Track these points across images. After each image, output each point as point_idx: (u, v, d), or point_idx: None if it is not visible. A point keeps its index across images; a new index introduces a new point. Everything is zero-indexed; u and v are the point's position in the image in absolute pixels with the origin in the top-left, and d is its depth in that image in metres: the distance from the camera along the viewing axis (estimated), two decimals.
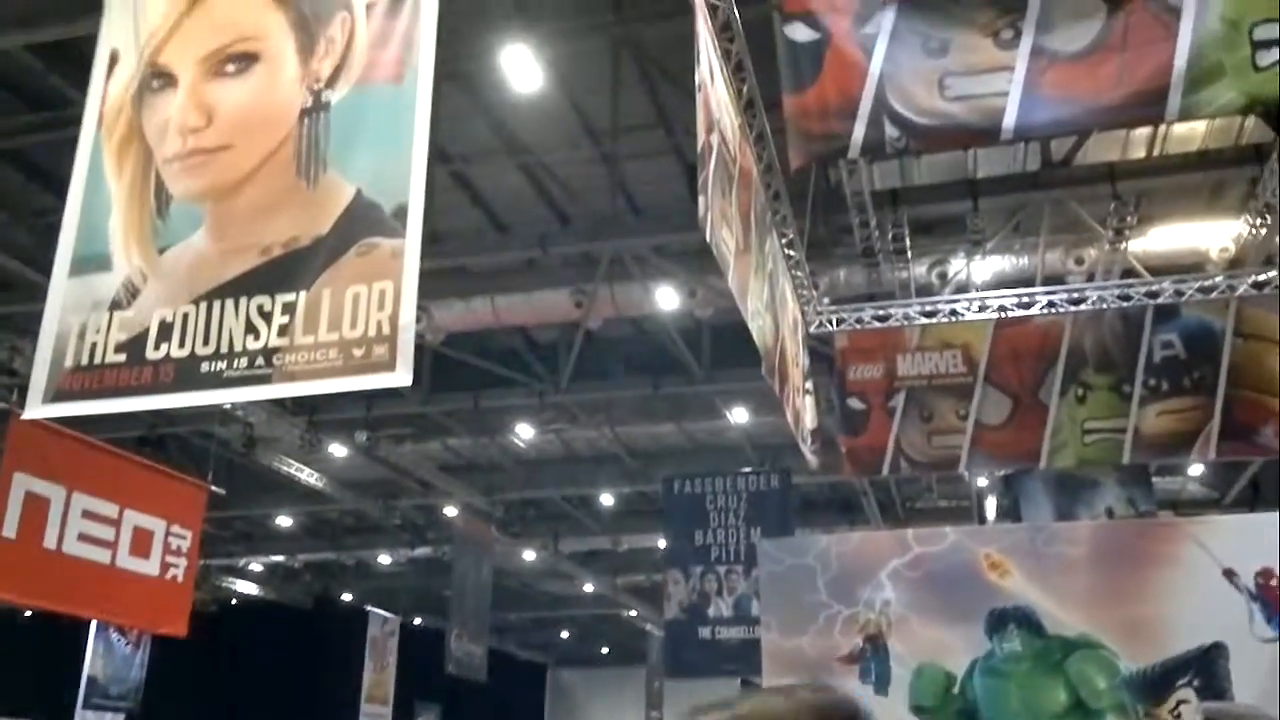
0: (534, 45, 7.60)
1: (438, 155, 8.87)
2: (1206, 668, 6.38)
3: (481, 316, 10.40)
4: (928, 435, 9.21)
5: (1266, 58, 4.54)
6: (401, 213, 4.14)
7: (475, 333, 11.33)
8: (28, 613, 17.38)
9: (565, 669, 33.60)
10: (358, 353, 5.06)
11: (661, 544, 14.75)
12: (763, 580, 7.60)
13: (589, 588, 22.35)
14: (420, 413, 13.45)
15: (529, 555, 19.40)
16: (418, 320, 5.05)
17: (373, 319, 4.32)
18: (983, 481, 13.90)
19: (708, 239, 5.57)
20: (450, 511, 16.79)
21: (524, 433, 14.21)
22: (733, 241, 6.22)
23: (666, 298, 10.12)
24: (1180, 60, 4.62)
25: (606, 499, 17.29)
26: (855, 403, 9.50)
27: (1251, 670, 6.24)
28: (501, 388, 12.70)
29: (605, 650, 31.25)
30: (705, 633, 12.11)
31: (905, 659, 6.88)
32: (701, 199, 5.47)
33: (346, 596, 23.24)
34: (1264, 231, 8.64)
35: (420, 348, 10.31)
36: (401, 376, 5.24)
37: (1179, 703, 6.39)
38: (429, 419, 13.87)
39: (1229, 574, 6.44)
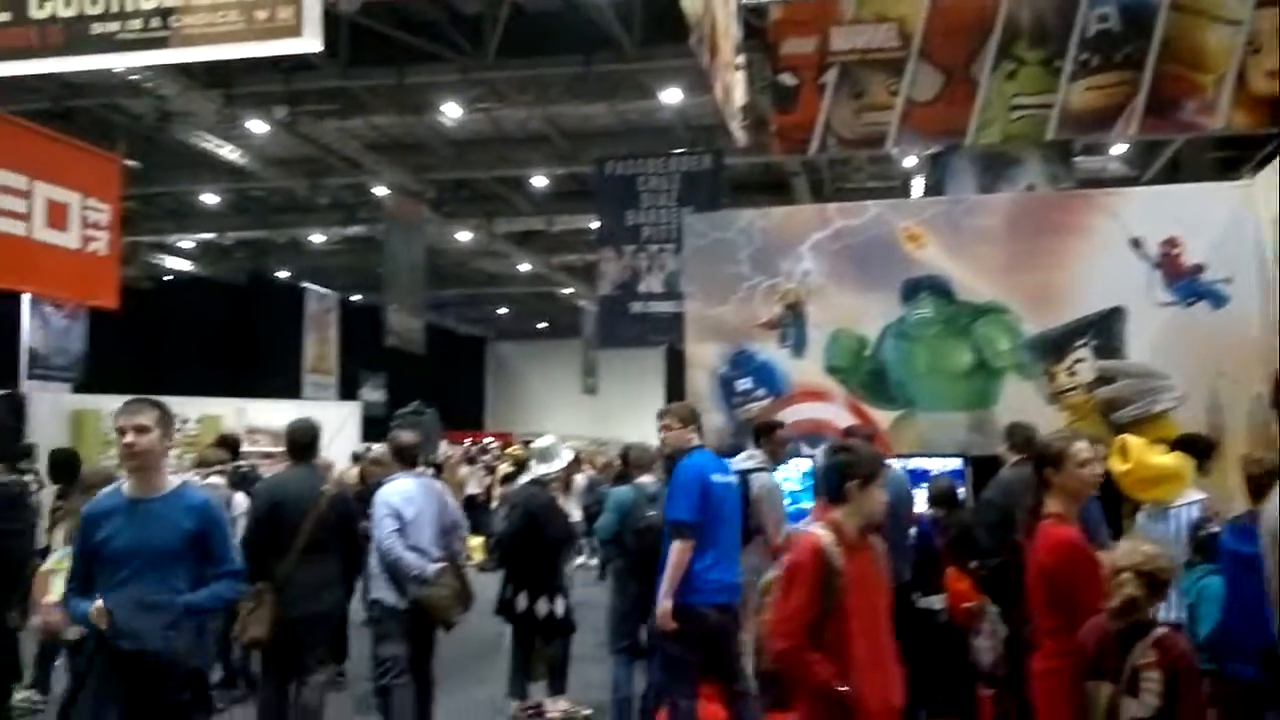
0: None
1: None
2: (1105, 329, 6.79)
3: None
4: (857, 112, 9.14)
5: None
6: None
7: (395, 3, 10.67)
8: None
9: (503, 342, 34.81)
10: (261, 15, 4.80)
11: (594, 224, 14.85)
12: (687, 253, 7.76)
13: (524, 266, 22.67)
14: (341, 87, 12.92)
15: (463, 235, 19.47)
16: None
17: None
18: (910, 161, 14.00)
19: None
20: (380, 191, 16.58)
21: (451, 111, 13.79)
22: None
23: None
24: None
25: (539, 180, 17.17)
26: (787, 78, 9.31)
27: (1146, 332, 6.66)
28: (426, 63, 12.19)
29: (542, 325, 32.27)
30: (637, 307, 12.54)
31: (822, 325, 7.21)
32: None
33: (282, 273, 23.34)
34: None
35: (334, 16, 9.73)
36: (309, 42, 5.01)
37: (1076, 361, 6.84)
38: (351, 95, 13.35)
39: (1135, 243, 6.70)
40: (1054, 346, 6.88)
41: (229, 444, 7.96)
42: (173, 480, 3.70)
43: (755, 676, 3.27)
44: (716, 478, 4.94)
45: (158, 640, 3.40)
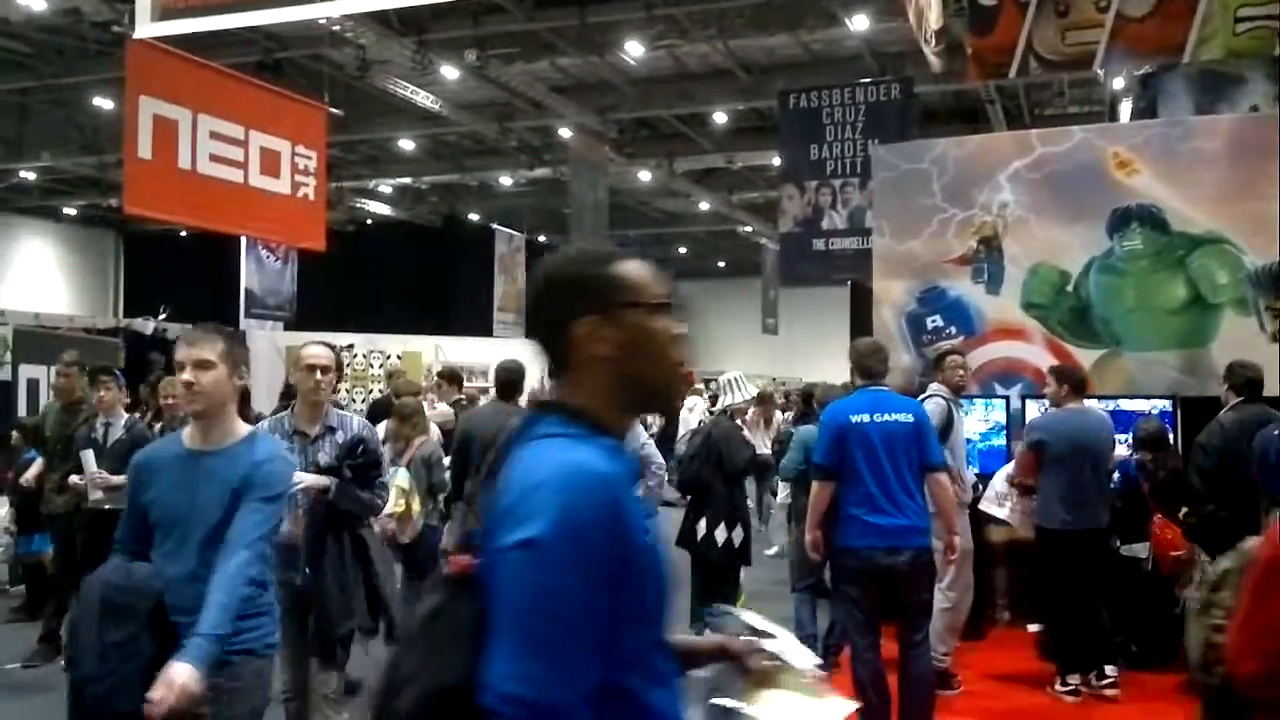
0: None
1: None
2: None
3: None
4: (1062, 31, 8.57)
5: None
6: None
7: None
8: (183, 233, 18.67)
9: (684, 281, 34.87)
10: None
11: (776, 160, 14.61)
12: (876, 186, 7.53)
13: (704, 205, 22.60)
14: (527, 30, 13.10)
15: (644, 175, 19.54)
16: None
17: None
18: (1118, 84, 13.07)
19: None
20: (565, 132, 16.81)
21: (633, 49, 13.77)
22: None
23: None
24: None
25: (720, 117, 16.98)
26: None
27: None
28: (608, 1, 12.19)
29: (722, 264, 32.18)
30: (819, 244, 12.28)
31: (1020, 259, 6.89)
32: None
33: (473, 215, 24.15)
34: None
35: None
36: None
37: None
38: (536, 36, 13.53)
39: None
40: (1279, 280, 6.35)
41: (455, 379, 8.38)
42: (243, 429, 2.91)
43: (1199, 689, 2.59)
44: (857, 418, 4.69)
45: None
